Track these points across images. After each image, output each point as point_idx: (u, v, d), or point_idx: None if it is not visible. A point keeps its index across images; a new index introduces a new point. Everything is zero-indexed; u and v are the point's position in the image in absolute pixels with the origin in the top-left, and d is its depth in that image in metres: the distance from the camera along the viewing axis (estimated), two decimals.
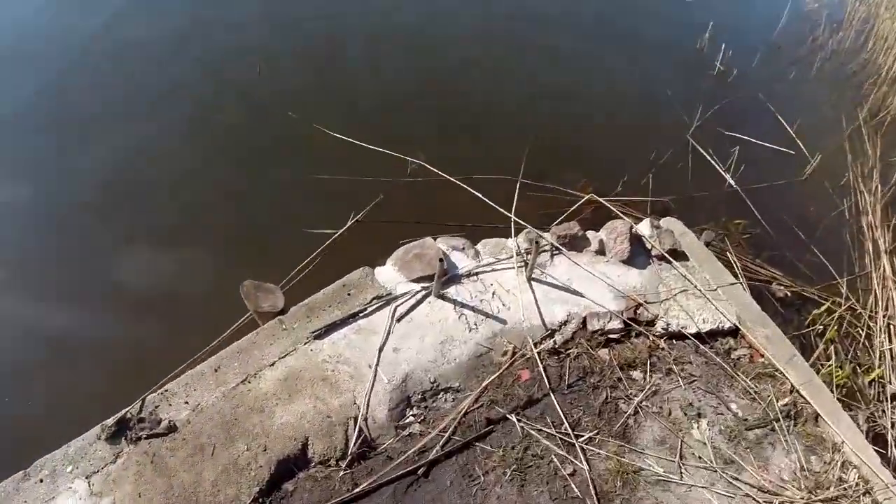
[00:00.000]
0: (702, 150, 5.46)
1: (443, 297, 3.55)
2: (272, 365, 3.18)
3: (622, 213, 4.87)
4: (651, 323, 3.89)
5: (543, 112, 5.82)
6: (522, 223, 4.20)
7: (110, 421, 2.96)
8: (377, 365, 3.22)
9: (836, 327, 4.53)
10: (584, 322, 3.74)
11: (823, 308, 4.59)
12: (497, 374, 3.37)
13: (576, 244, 4.04)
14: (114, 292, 4.29)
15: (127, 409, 3.00)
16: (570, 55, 6.44)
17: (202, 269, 4.34)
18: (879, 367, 4.34)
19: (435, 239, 3.92)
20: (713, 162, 5.43)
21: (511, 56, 6.44)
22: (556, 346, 3.60)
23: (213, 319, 3.60)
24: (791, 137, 5.67)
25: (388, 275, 3.63)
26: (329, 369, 3.20)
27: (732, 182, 5.27)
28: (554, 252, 4.00)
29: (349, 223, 4.44)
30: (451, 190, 4.71)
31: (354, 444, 3.04)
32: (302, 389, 3.13)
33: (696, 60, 6.49)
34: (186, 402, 3.05)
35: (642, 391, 3.55)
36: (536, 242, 3.57)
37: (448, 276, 3.63)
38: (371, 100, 5.71)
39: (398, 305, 3.45)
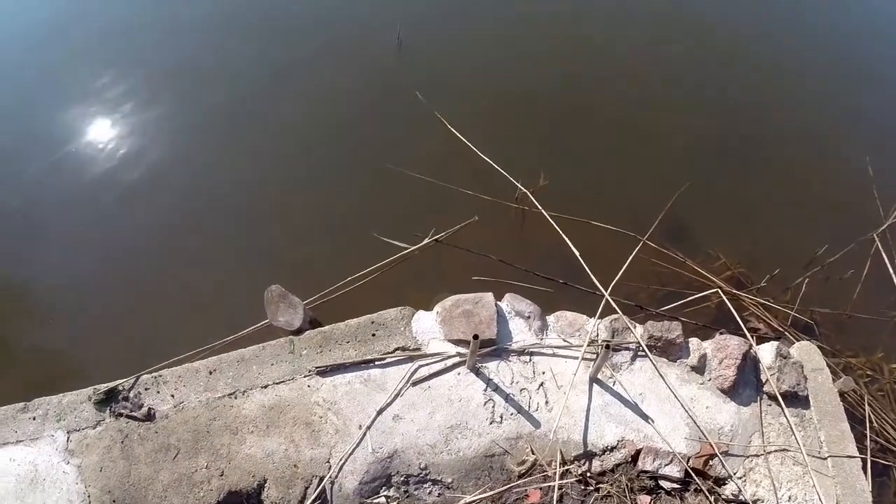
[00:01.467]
0: (886, 259, 4.14)
1: (477, 373, 3.01)
2: (265, 387, 2.93)
3: (754, 318, 3.91)
4: (720, 482, 2.97)
5: (710, 151, 4.86)
6: (614, 304, 3.40)
7: (103, 387, 2.96)
8: (368, 428, 2.81)
9: None
10: (635, 455, 2.96)
11: None
12: (501, 487, 2.77)
13: (670, 351, 3.20)
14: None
15: (120, 381, 2.98)
16: (774, 75, 5.37)
17: (258, 248, 4.29)
18: None
19: (499, 297, 3.31)
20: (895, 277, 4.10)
21: (697, 69, 5.47)
22: (588, 475, 2.88)
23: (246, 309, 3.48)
24: None
25: (427, 325, 3.15)
26: (317, 414, 2.86)
27: None
28: (639, 353, 3.24)
29: (426, 241, 4.00)
30: (560, 230, 3.98)
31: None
32: (282, 426, 2.84)
33: None
34: (172, 396, 2.94)
35: None
36: (607, 346, 2.86)
37: (494, 347, 3.07)
38: (506, 97, 5.15)
39: (421, 366, 2.97)
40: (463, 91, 5.18)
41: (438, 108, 4.88)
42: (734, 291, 4.01)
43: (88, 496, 2.78)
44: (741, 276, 4.19)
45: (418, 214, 4.29)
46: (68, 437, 2.92)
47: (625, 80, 5.35)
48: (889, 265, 4.22)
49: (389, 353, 3.00)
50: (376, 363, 2.98)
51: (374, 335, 3.05)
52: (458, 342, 3.06)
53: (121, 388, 2.97)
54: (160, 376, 3.01)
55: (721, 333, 3.67)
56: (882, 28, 6.23)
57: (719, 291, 3.60)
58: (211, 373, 2.99)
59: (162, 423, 2.89)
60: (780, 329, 3.93)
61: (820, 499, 2.92)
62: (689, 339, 3.36)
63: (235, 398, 2.92)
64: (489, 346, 3.06)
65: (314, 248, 4.25)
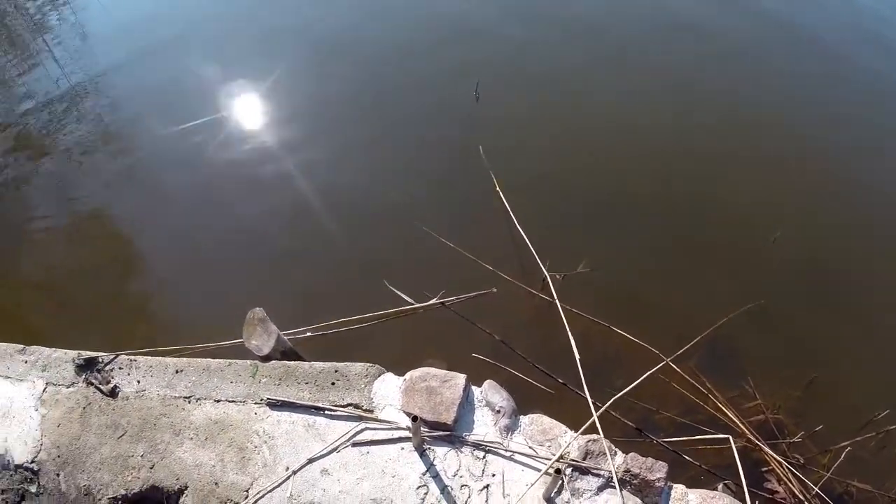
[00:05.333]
0: None
1: (421, 454, 2.97)
2: (217, 401, 3.10)
3: (774, 478, 3.54)
4: None
5: (783, 277, 4.51)
6: (598, 425, 3.16)
7: (85, 354, 3.28)
8: (294, 473, 2.87)
9: None
10: None
11: None
12: None
13: (646, 492, 2.95)
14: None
15: (102, 354, 3.27)
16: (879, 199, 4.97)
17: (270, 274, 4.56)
18: None
19: (475, 380, 3.24)
20: None
21: (788, 188, 5.11)
22: None
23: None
24: None
25: (389, 389, 3.16)
26: (253, 444, 2.97)
27: None
28: (611, 483, 3.01)
29: (432, 301, 4.03)
30: (573, 327, 3.79)
31: None
32: (218, 443, 2.99)
33: None
34: (138, 382, 3.20)
35: None
36: (557, 471, 2.71)
37: (448, 433, 3.02)
38: (572, 178, 5.12)
39: (368, 428, 3.00)
40: (527, 162, 5.25)
41: (496, 171, 4.97)
42: (757, 439, 3.64)
43: (41, 444, 3.12)
44: (776, 425, 3.81)
45: (440, 278, 4.33)
46: (45, 388, 3.27)
47: (714, 181, 5.14)
48: None
49: (341, 406, 3.06)
50: (325, 412, 3.05)
51: (333, 384, 3.13)
52: (413, 417, 3.03)
53: (100, 359, 3.28)
54: (135, 360, 3.30)
55: (724, 486, 3.35)
56: None
57: (730, 438, 3.29)
58: (177, 372, 3.22)
59: (121, 403, 3.15)
60: (801, 498, 3.49)
61: None
62: (674, 486, 3.10)
63: (189, 402, 3.12)
64: (444, 430, 3.03)
65: (325, 282, 4.50)
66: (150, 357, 3.31)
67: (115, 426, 3.10)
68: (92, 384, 3.21)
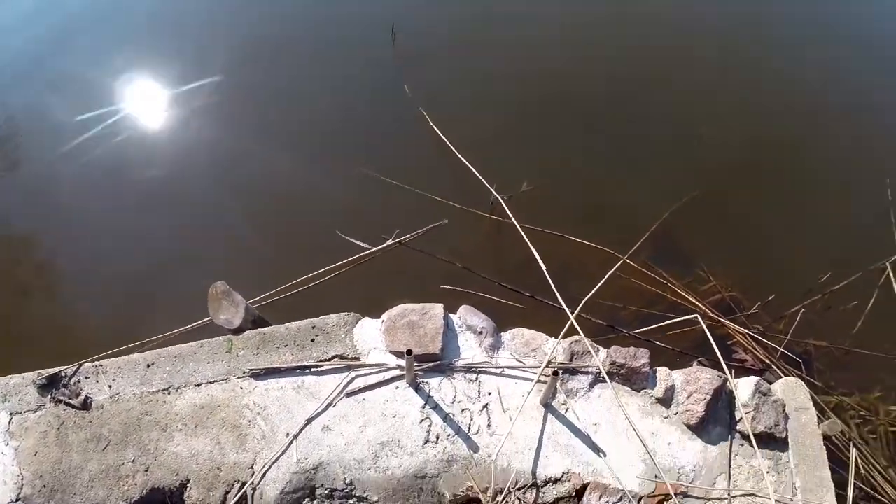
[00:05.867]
0: None
1: (416, 388, 2.95)
2: (198, 386, 2.98)
3: (741, 348, 3.78)
4: None
5: (717, 168, 4.72)
6: (577, 327, 3.22)
7: (46, 372, 3.08)
8: (296, 437, 2.81)
9: None
10: (581, 490, 2.83)
11: None
12: None
13: (634, 379, 3.06)
14: None
15: (63, 368, 3.09)
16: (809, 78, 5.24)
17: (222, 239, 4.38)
18: None
19: (450, 308, 3.25)
20: None
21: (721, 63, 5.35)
22: None
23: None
24: None
25: (370, 334, 3.12)
26: (246, 418, 2.89)
27: None
28: (600, 379, 3.09)
29: (388, 242, 3.98)
30: (534, 242, 3.86)
31: None
32: (210, 427, 2.88)
33: None
34: (110, 387, 3.03)
35: None
36: (555, 373, 2.74)
37: (438, 363, 3.01)
38: (500, 98, 5.11)
39: (358, 376, 2.95)
40: (454, 92, 5.18)
41: (426, 106, 4.87)
42: (718, 317, 3.85)
43: (22, 478, 2.91)
44: (732, 302, 4.03)
45: (392, 219, 4.27)
46: (10, 419, 3.05)
47: (639, 84, 5.22)
48: None
49: (326, 360, 3.00)
50: (312, 370, 2.98)
51: (313, 340, 3.05)
52: (399, 354, 3.02)
53: (63, 374, 3.08)
54: (101, 366, 3.11)
55: (699, 363, 3.49)
56: None
57: (699, 317, 3.40)
58: (149, 366, 3.07)
59: (97, 413, 2.99)
60: (768, 361, 3.73)
61: None
62: (658, 369, 3.21)
63: (169, 394, 2.99)
64: (432, 361, 3.01)
65: (276, 244, 4.33)
66: (116, 358, 3.12)
67: (96, 438, 2.94)
68: (60, 401, 3.03)
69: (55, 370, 3.10)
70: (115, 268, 4.43)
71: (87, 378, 3.10)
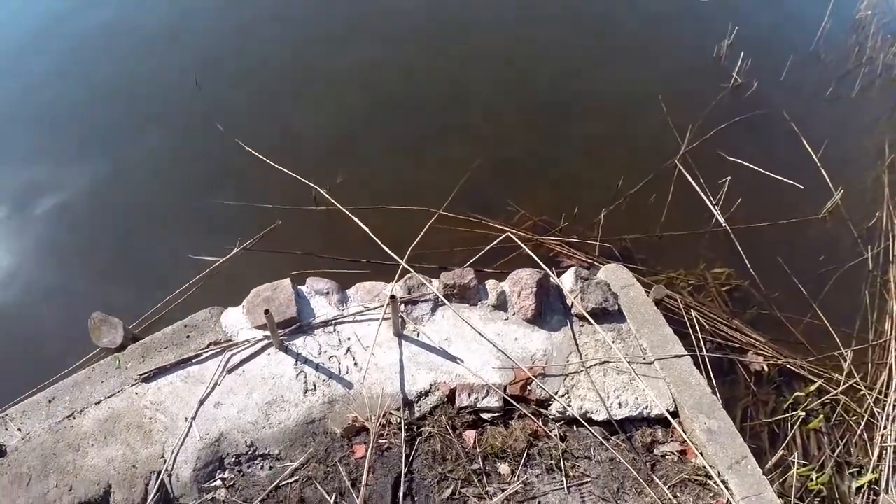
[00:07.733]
0: (690, 179, 4.67)
1: (286, 350, 3.43)
2: (98, 403, 3.37)
3: (564, 257, 4.40)
4: (544, 403, 3.39)
5: (508, 124, 5.38)
6: (410, 268, 3.81)
7: None
8: (193, 419, 3.25)
9: (825, 413, 3.70)
10: (451, 395, 3.37)
11: (813, 387, 3.74)
12: (322, 447, 3.19)
13: (467, 295, 3.64)
14: None
15: None
16: (559, 56, 5.96)
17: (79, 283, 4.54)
18: (876, 469, 3.47)
19: (299, 282, 3.75)
20: (702, 194, 4.65)
21: (484, 54, 6.02)
22: (409, 422, 3.31)
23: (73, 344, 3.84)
24: (815, 166, 4.83)
25: (235, 318, 3.60)
26: (147, 416, 3.30)
27: (722, 219, 4.41)
28: (439, 303, 3.64)
29: (234, 251, 4.45)
30: (360, 219, 4.41)
31: (152, 499, 3.12)
32: (117, 434, 3.28)
33: (709, 71, 5.78)
34: (19, 430, 3.37)
35: (504, 490, 3.14)
36: (392, 297, 3.24)
37: (297, 325, 3.49)
38: (299, 111, 5.58)
39: (234, 354, 3.42)
40: (260, 119, 5.57)
41: (239, 136, 5.26)
42: (529, 236, 4.47)
43: None
44: (545, 224, 4.67)
45: (235, 233, 4.64)
46: None
47: (425, 70, 5.88)
48: (693, 183, 4.74)
49: (203, 349, 3.44)
50: (193, 360, 3.42)
51: (188, 336, 3.49)
52: (263, 327, 3.48)
53: None
54: (6, 415, 3.44)
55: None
56: None
57: (510, 235, 3.97)
58: (50, 401, 3.42)
59: (13, 456, 3.32)
60: (590, 261, 4.37)
61: (651, 398, 3.32)
62: (486, 282, 3.79)
63: (74, 418, 3.36)
64: (293, 325, 3.50)
65: (134, 274, 4.59)
66: (18, 405, 3.45)
67: (18, 478, 3.27)
68: None
69: None
70: None
71: None
